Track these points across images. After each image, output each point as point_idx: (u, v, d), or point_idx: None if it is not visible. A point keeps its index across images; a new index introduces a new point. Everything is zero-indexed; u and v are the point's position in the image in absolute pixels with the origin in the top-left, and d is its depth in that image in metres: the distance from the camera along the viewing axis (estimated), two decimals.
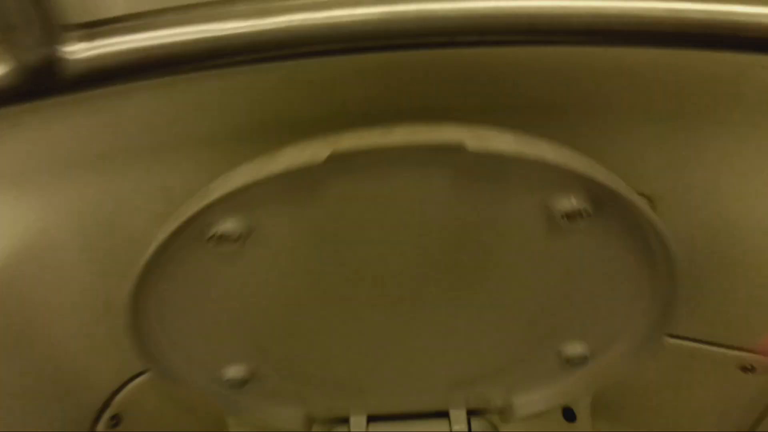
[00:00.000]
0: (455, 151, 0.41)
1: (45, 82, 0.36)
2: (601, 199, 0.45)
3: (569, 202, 0.45)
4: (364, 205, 0.45)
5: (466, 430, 0.69)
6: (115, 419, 0.64)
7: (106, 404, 0.64)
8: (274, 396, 0.64)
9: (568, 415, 0.74)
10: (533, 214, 0.46)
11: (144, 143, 0.47)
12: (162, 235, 0.43)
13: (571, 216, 0.46)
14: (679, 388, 0.72)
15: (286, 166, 0.40)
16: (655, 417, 0.75)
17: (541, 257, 0.50)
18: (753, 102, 0.48)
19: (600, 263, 0.50)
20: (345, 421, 0.69)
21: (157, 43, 0.37)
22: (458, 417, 0.69)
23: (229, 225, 0.44)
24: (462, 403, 0.69)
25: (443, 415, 0.70)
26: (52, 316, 0.54)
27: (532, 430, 0.73)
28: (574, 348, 0.58)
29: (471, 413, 0.70)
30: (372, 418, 0.70)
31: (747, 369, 0.66)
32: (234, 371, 0.58)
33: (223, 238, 0.45)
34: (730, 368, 0.67)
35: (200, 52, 0.36)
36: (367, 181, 0.44)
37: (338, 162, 0.41)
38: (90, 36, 0.36)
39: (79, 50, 0.36)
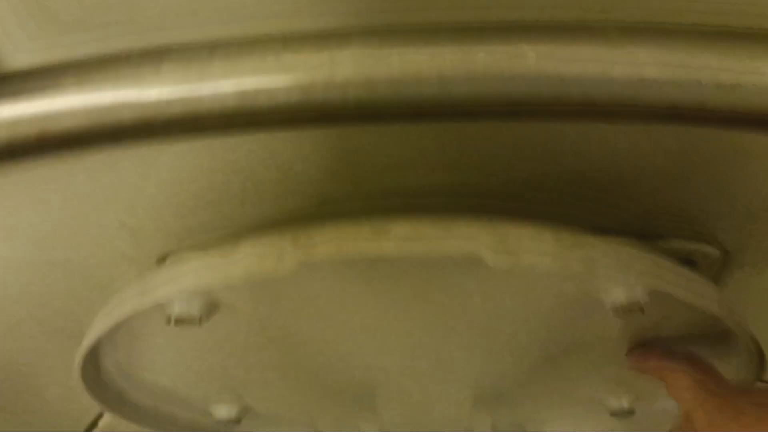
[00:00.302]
0: (472, 262, 0.30)
1: None
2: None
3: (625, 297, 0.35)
4: (343, 310, 0.36)
5: None
6: None
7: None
8: (277, 423, 0.58)
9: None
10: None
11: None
12: (113, 316, 0.36)
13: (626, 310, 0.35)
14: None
15: (245, 271, 0.31)
16: None
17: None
18: None
19: None
20: None
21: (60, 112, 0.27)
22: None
23: (186, 309, 0.36)
24: (488, 418, 0.61)
25: None
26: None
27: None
28: (623, 402, 0.49)
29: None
30: None
31: None
32: (223, 411, 0.51)
33: (181, 321, 0.37)
34: None
35: (105, 129, 0.27)
36: (347, 287, 0.35)
37: (310, 270, 0.31)
38: None
39: None
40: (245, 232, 0.38)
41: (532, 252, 0.30)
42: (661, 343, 0.41)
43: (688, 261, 0.43)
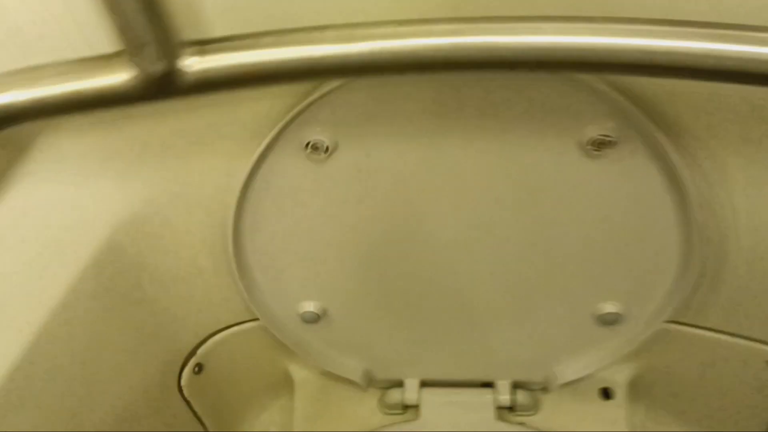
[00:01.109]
0: None
1: (164, 89, 0.43)
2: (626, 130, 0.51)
3: (596, 130, 0.51)
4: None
5: (509, 400, 0.75)
6: (198, 367, 0.73)
7: (191, 354, 0.73)
8: (339, 344, 0.72)
9: (605, 394, 0.79)
10: (568, 149, 0.52)
11: (235, 138, 0.55)
12: (265, 141, 0.52)
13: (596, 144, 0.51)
14: (709, 379, 0.76)
15: None
16: (686, 405, 0.80)
17: (575, 193, 0.56)
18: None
19: (629, 207, 0.56)
20: (399, 385, 0.77)
21: (256, 61, 0.43)
22: (503, 388, 0.76)
23: (319, 137, 0.52)
24: (507, 375, 0.75)
25: (489, 385, 0.77)
26: (154, 278, 0.62)
27: (568, 408, 0.79)
28: (608, 307, 0.64)
29: (516, 386, 0.76)
30: (424, 384, 0.77)
31: None
32: (308, 306, 0.67)
33: (314, 147, 0.52)
34: (758, 362, 0.70)
35: (292, 70, 0.43)
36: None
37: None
38: (201, 52, 0.43)
39: (192, 64, 0.42)
40: None
41: None
42: None
43: None
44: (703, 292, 0.65)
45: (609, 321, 0.66)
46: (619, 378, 0.78)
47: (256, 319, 0.72)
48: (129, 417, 0.65)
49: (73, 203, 0.53)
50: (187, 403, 0.75)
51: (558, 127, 0.50)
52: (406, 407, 0.77)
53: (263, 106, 0.53)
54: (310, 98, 0.50)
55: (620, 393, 0.78)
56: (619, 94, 0.48)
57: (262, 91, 0.53)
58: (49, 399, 0.53)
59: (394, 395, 0.77)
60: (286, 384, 0.84)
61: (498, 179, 0.55)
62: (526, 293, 0.65)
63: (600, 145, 0.51)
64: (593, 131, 0.50)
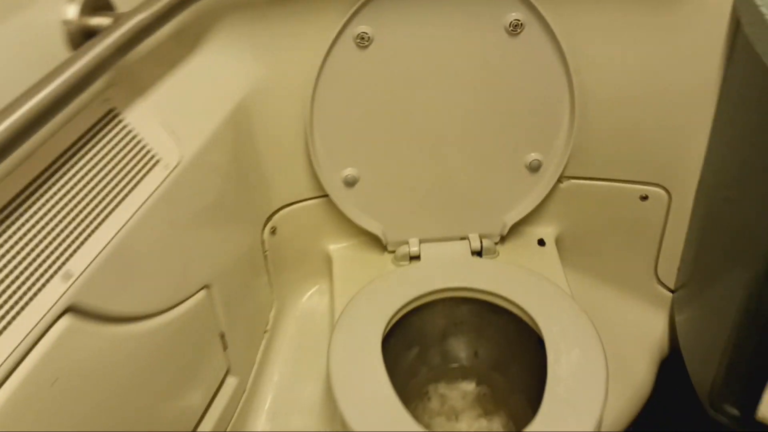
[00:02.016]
0: None
1: None
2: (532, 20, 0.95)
3: (512, 16, 0.95)
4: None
5: (479, 247, 1.13)
6: (274, 229, 1.11)
7: (270, 217, 1.11)
8: (368, 208, 1.12)
9: (541, 243, 1.18)
10: (497, 31, 0.96)
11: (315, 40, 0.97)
12: (332, 35, 0.95)
13: (514, 27, 0.95)
14: (602, 224, 1.18)
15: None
16: (590, 248, 1.22)
17: (505, 64, 0.99)
18: None
19: (536, 73, 1.00)
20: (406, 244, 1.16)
21: None
22: (474, 239, 1.14)
23: (365, 29, 0.95)
24: (475, 229, 1.14)
25: (465, 239, 1.15)
26: (262, 144, 1.02)
27: (518, 252, 1.17)
28: (533, 156, 1.06)
29: (482, 238, 1.15)
30: (423, 241, 1.15)
31: (643, 198, 1.10)
32: (349, 171, 1.08)
33: (362, 38, 0.95)
34: (633, 200, 1.11)
35: None
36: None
37: None
38: None
39: None
40: None
41: None
42: None
43: None
44: (585, 146, 1.08)
45: (534, 167, 1.07)
46: (548, 233, 1.20)
47: (314, 198, 1.12)
48: (233, 261, 1.01)
49: (226, 70, 0.94)
50: (265, 257, 1.11)
51: (490, 16, 0.94)
52: (411, 258, 1.14)
53: (330, 15, 0.95)
54: (358, 4, 0.93)
55: (549, 242, 1.18)
56: None
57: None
58: (196, 204, 0.90)
59: (402, 250, 1.15)
60: (327, 269, 1.22)
61: (459, 56, 0.99)
62: (482, 146, 1.07)
63: (515, 27, 0.95)
64: (510, 18, 0.95)
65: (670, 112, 1.02)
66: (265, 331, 1.15)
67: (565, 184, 1.15)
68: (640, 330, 1.21)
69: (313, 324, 1.22)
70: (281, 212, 1.14)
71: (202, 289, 0.92)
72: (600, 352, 0.94)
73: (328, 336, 1.01)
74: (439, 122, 1.04)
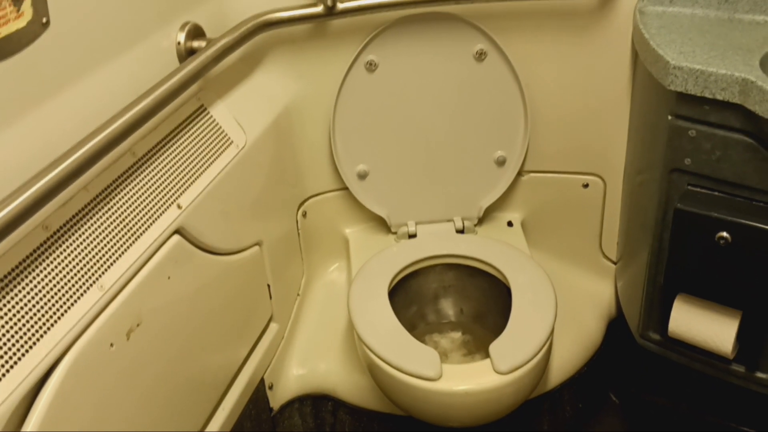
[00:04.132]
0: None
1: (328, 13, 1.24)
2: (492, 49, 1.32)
3: (477, 47, 1.32)
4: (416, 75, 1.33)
5: (462, 226, 1.46)
6: (305, 213, 1.44)
7: (302, 203, 1.45)
8: (377, 197, 1.47)
9: (510, 224, 1.51)
10: (467, 58, 1.33)
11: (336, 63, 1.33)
12: (351, 60, 1.32)
13: (479, 55, 1.31)
14: (556, 207, 1.52)
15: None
16: (549, 226, 1.55)
17: (473, 84, 1.37)
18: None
19: (498, 89, 1.36)
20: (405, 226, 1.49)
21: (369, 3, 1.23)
22: (458, 221, 1.48)
23: (373, 57, 1.31)
24: (458, 213, 1.47)
25: (451, 221, 1.48)
26: (297, 144, 1.38)
27: (492, 232, 1.50)
28: (499, 153, 1.40)
29: (463, 220, 1.47)
30: (419, 223, 1.48)
31: (585, 186, 1.44)
32: (361, 167, 1.43)
33: (370, 64, 1.31)
34: (578, 188, 1.44)
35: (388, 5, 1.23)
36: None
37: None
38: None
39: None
40: None
41: None
42: None
43: None
44: (537, 145, 1.43)
45: (500, 162, 1.42)
46: (514, 216, 1.55)
47: (334, 190, 1.46)
48: (277, 231, 1.34)
49: (275, 84, 1.31)
50: (299, 235, 1.43)
51: (462, 47, 1.31)
52: (409, 237, 1.47)
53: (348, 47, 1.32)
54: (369, 37, 1.30)
55: (516, 224, 1.52)
56: (483, 27, 1.31)
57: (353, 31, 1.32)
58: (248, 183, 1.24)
59: (403, 231, 1.49)
60: (344, 248, 1.54)
61: (441, 76, 1.37)
62: (461, 146, 1.43)
63: (480, 54, 1.31)
64: (476, 48, 1.31)
65: (598, 116, 1.39)
66: (297, 294, 1.47)
67: (525, 177, 1.50)
68: (590, 294, 1.54)
69: (334, 292, 1.55)
70: (310, 200, 1.49)
71: (256, 244, 1.24)
72: (551, 289, 1.26)
73: (347, 295, 1.33)
74: (428, 127, 1.41)
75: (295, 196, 1.47)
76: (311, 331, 1.49)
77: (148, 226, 0.96)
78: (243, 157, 1.18)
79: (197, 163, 1.08)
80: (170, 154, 1.05)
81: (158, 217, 0.98)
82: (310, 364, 1.44)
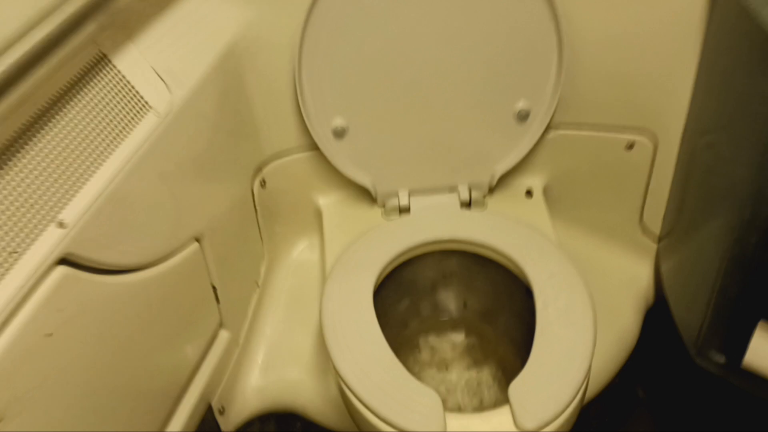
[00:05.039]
0: None
1: None
2: None
3: None
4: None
5: (468, 198, 1.14)
6: (263, 182, 1.10)
7: (259, 169, 1.11)
8: (357, 159, 1.12)
9: (529, 194, 1.19)
10: None
11: None
12: None
13: None
14: (590, 172, 1.19)
15: None
16: (579, 195, 1.23)
17: (496, 18, 0.99)
18: None
19: (524, 19, 1.00)
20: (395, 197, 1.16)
21: None
22: (463, 190, 1.15)
23: None
24: (465, 180, 1.14)
25: (454, 191, 1.16)
26: (251, 93, 1.02)
27: (506, 203, 1.18)
28: (522, 104, 1.06)
29: (471, 189, 1.15)
30: (412, 193, 1.15)
31: (629, 147, 1.11)
32: (338, 122, 1.07)
33: None
34: (619, 149, 1.12)
35: None
36: None
37: None
38: None
39: None
40: None
41: None
42: None
43: None
44: (572, 93, 1.08)
45: (523, 115, 1.07)
46: (535, 183, 1.20)
47: (303, 151, 1.12)
48: (224, 213, 1.01)
49: (214, 14, 0.94)
50: (256, 211, 1.10)
51: None
52: (400, 211, 1.15)
53: None
54: None
55: (537, 193, 1.19)
56: None
57: None
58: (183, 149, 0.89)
59: (392, 203, 1.15)
60: (317, 223, 1.21)
61: (446, 3, 0.98)
62: (471, 95, 1.06)
63: None
64: None
65: (656, 57, 1.02)
66: (257, 285, 1.16)
67: (552, 134, 1.15)
68: (626, 279, 1.23)
69: (304, 278, 1.23)
70: (271, 165, 1.14)
71: (193, 241, 0.92)
72: (587, 298, 0.96)
73: (320, 289, 1.01)
74: (428, 71, 1.04)
75: (249, 162, 1.12)
76: (275, 332, 1.18)
77: (15, 259, 0.63)
78: (168, 128, 0.81)
79: (96, 147, 0.72)
80: (50, 139, 0.68)
81: (30, 243, 0.65)
82: (273, 374, 1.14)
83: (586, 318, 0.93)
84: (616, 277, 1.23)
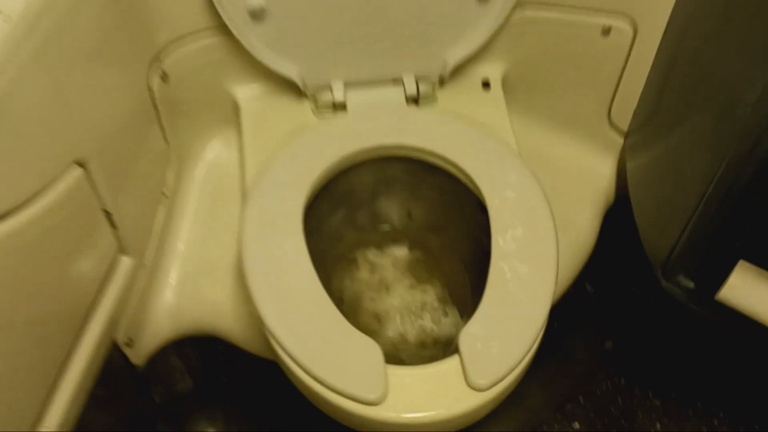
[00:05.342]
0: None
1: None
2: None
3: None
4: None
5: (415, 92, 0.96)
6: (164, 76, 0.89)
7: (157, 57, 0.90)
8: (281, 46, 0.91)
9: (485, 86, 1.02)
10: None
11: None
12: None
13: None
14: (557, 62, 1.02)
15: None
16: (542, 85, 1.06)
17: None
18: None
19: None
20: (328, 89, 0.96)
21: None
22: (409, 82, 0.97)
23: None
24: (411, 69, 0.96)
25: (399, 83, 0.98)
26: None
27: (459, 97, 1.01)
28: None
29: (418, 80, 0.97)
30: (348, 85, 0.96)
31: (606, 32, 0.94)
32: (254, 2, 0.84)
33: None
34: (594, 34, 0.95)
35: None
36: None
37: None
38: None
39: None
40: None
41: None
42: None
43: None
44: None
45: None
46: (493, 73, 1.03)
47: (211, 34, 0.90)
48: (113, 122, 0.81)
49: None
50: (156, 110, 0.91)
51: None
52: (335, 107, 0.96)
53: None
54: None
55: (495, 84, 1.02)
56: None
57: None
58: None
59: (325, 96, 0.96)
60: (233, 116, 1.02)
61: None
62: None
63: None
64: None
65: None
66: (164, 196, 0.98)
67: (517, 14, 0.95)
68: (587, 175, 1.09)
69: (220, 180, 1.04)
70: (173, 56, 0.91)
71: (75, 166, 0.73)
72: (550, 225, 0.83)
73: (239, 198, 0.85)
74: None
75: (141, 51, 0.88)
76: (190, 247, 1.01)
77: None
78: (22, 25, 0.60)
79: None
80: None
81: None
82: (187, 294, 0.99)
83: (548, 251, 0.81)
84: (577, 174, 1.09)
